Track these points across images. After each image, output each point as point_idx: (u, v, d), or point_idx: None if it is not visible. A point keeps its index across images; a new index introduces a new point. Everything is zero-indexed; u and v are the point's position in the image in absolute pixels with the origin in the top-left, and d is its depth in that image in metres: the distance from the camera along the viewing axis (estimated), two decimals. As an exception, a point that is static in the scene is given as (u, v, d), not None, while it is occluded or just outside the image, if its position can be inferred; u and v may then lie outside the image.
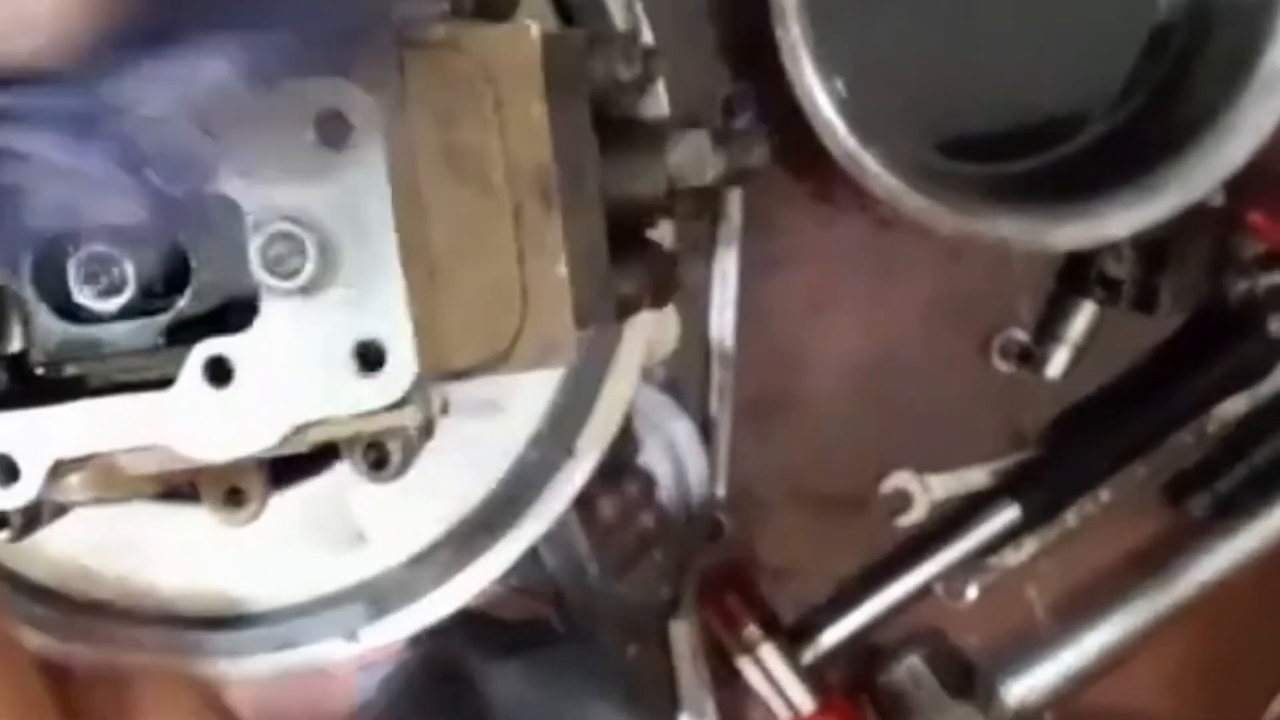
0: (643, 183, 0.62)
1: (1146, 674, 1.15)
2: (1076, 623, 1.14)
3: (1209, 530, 1.13)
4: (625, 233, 0.63)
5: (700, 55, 1.06)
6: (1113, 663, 1.14)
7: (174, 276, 0.52)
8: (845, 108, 0.93)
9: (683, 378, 1.10)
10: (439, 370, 0.55)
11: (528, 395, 0.81)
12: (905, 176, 0.95)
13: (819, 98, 0.93)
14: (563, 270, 0.58)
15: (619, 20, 0.77)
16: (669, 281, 0.65)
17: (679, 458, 1.11)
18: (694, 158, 0.62)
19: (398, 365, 0.49)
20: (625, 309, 0.65)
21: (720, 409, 1.11)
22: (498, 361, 0.58)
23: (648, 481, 1.09)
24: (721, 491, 1.12)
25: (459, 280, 0.56)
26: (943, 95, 1.06)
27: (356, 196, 0.47)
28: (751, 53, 1.03)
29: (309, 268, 0.47)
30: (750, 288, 1.10)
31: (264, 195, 0.47)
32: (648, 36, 0.78)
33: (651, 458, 1.10)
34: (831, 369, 1.13)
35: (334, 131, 0.47)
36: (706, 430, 1.12)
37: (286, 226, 0.46)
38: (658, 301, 0.65)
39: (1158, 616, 1.13)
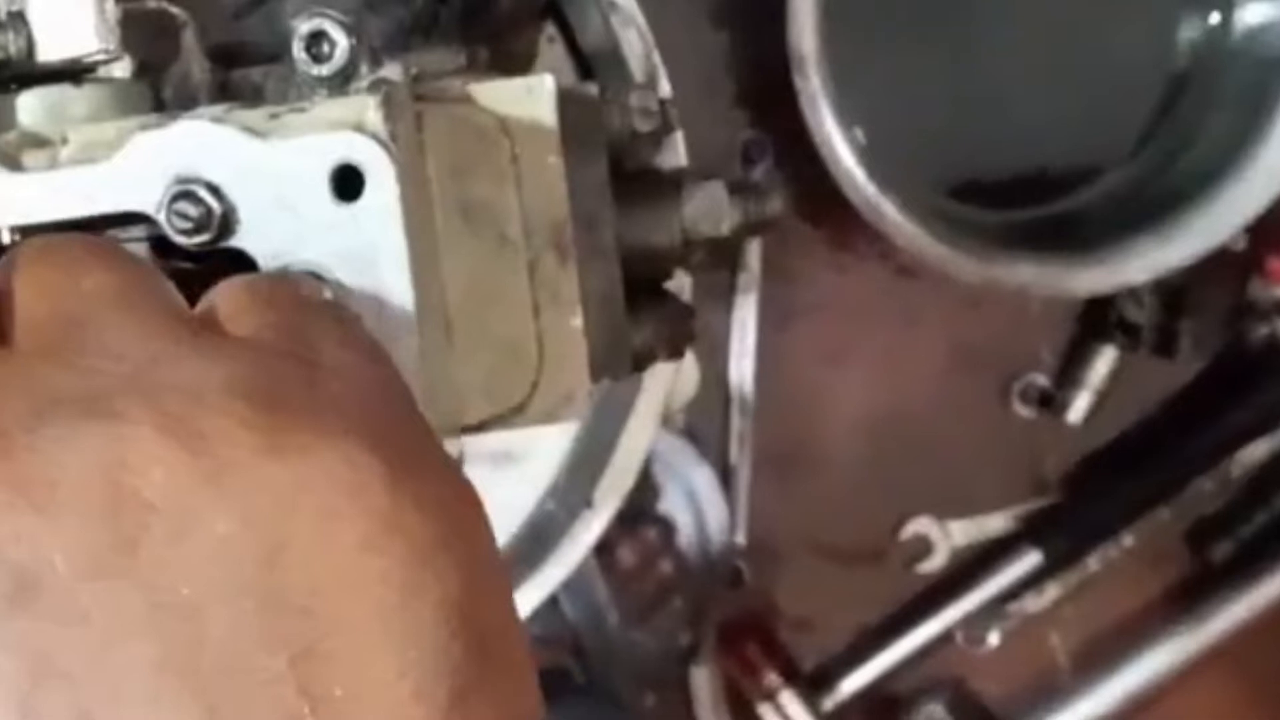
0: (659, 234, 0.62)
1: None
2: (1098, 670, 1.14)
3: (1231, 577, 1.12)
4: (641, 284, 0.63)
5: (717, 104, 1.06)
6: (1135, 710, 1.13)
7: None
8: (864, 156, 0.93)
9: (702, 425, 1.10)
10: (453, 425, 0.55)
11: (545, 446, 0.81)
12: (925, 224, 0.95)
13: (839, 147, 0.93)
14: (578, 322, 0.57)
15: (637, 71, 0.77)
16: (685, 332, 0.65)
17: (699, 505, 1.11)
18: (710, 209, 0.62)
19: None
20: (641, 361, 0.65)
21: (740, 457, 1.11)
22: (512, 415, 0.58)
23: (667, 528, 1.09)
24: (741, 539, 1.12)
25: (474, 334, 0.56)
26: (960, 143, 1.06)
27: (373, 250, 0.47)
28: (768, 101, 1.03)
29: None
30: (769, 336, 1.10)
31: (279, 250, 0.47)
32: (665, 87, 0.78)
33: (671, 505, 1.09)
34: (850, 416, 1.13)
35: (349, 185, 0.47)
36: (726, 478, 1.11)
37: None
38: (674, 353, 0.65)
39: (1180, 663, 1.12)
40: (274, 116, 0.48)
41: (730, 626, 1.14)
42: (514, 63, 0.69)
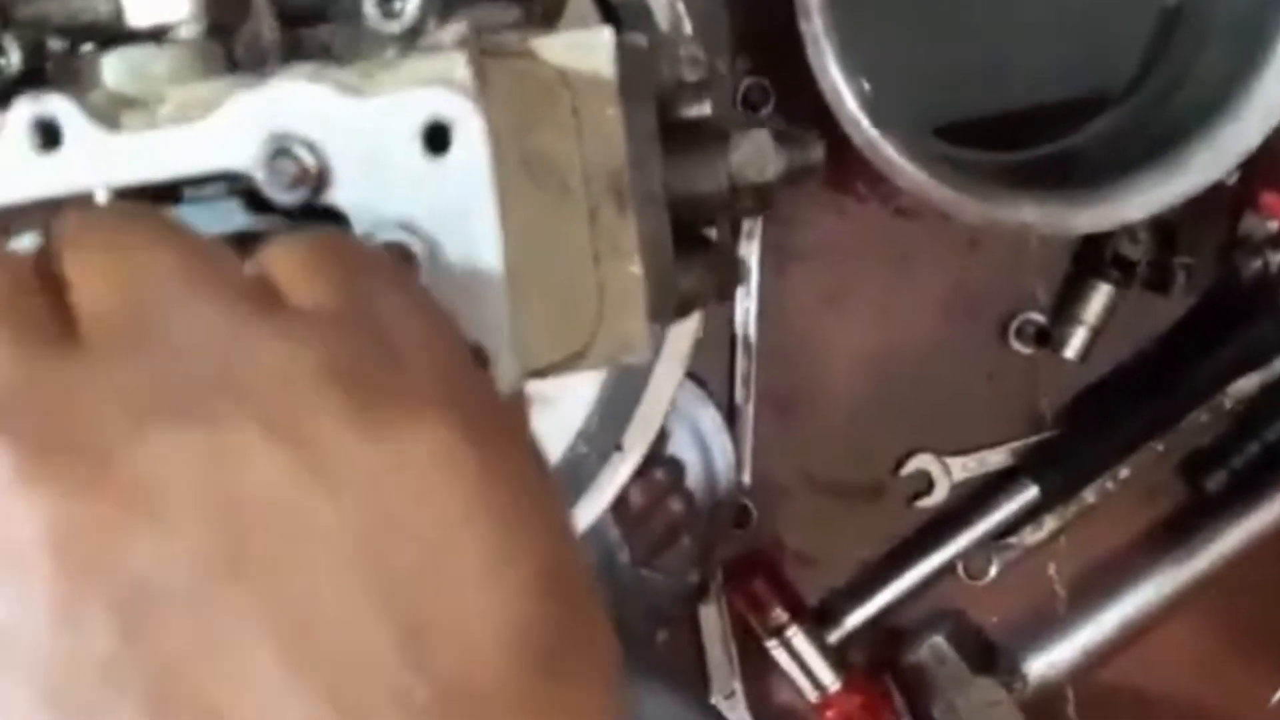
0: (705, 181, 0.63)
1: (1166, 649, 1.17)
2: (1096, 599, 1.16)
3: (1225, 506, 1.15)
4: (686, 230, 0.65)
5: (718, 49, 1.07)
6: (1132, 638, 1.16)
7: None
8: (866, 100, 0.95)
9: (707, 367, 1.12)
10: (524, 371, 0.57)
11: (577, 390, 0.82)
12: (927, 167, 0.96)
13: (843, 91, 0.94)
14: (637, 269, 0.59)
15: (661, 19, 0.78)
16: (730, 278, 0.67)
17: (705, 445, 1.13)
18: (755, 156, 0.63)
19: (501, 371, 0.50)
20: (686, 306, 0.66)
21: (744, 397, 1.13)
22: (574, 361, 0.59)
23: (676, 469, 1.10)
24: (747, 479, 1.14)
25: (538, 282, 0.57)
26: (958, 84, 1.08)
27: (463, 205, 0.49)
28: (768, 46, 1.04)
29: (419, 278, 0.48)
30: (769, 279, 1.12)
31: (373, 205, 0.48)
32: (688, 31, 0.80)
33: (679, 446, 1.11)
34: (850, 356, 1.15)
35: (440, 140, 0.48)
36: (731, 418, 1.13)
37: (397, 235, 0.48)
38: (720, 297, 0.67)
39: (1176, 592, 1.15)
40: (366, 74, 0.50)
41: (737, 563, 1.16)
42: (541, 13, 0.70)
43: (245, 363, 0.39)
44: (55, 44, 0.56)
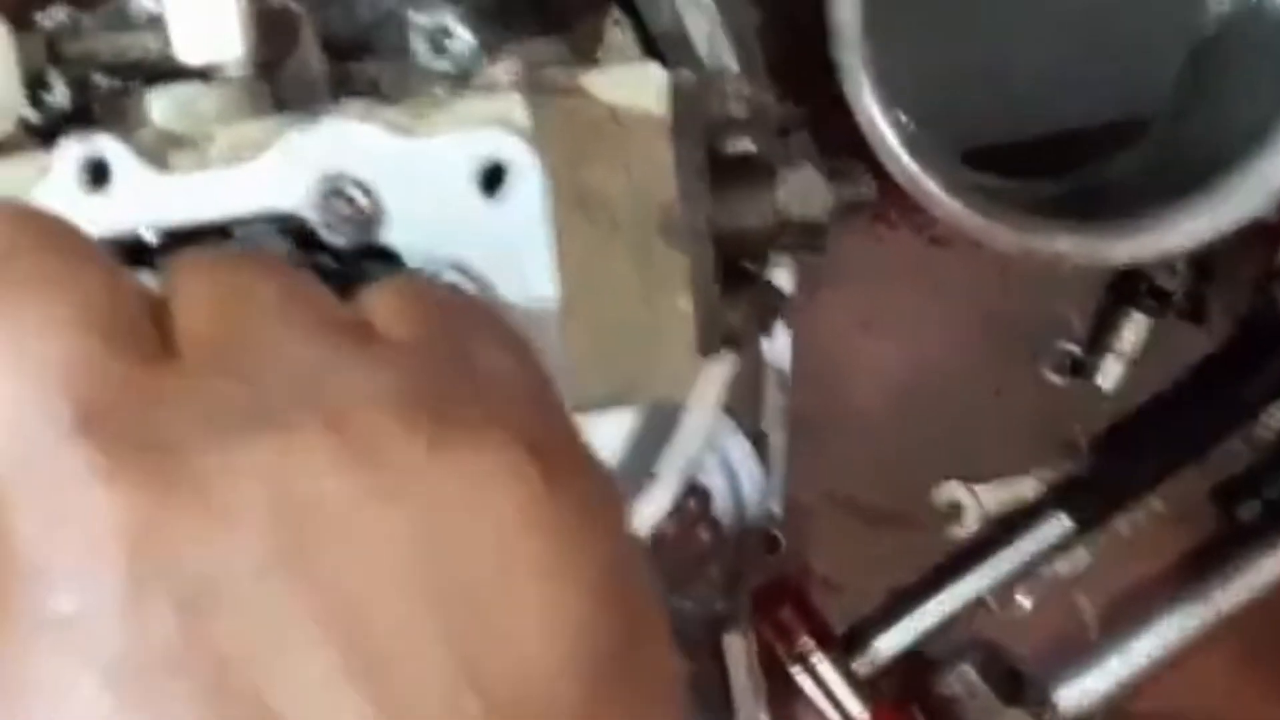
0: (752, 216, 0.63)
1: (1198, 679, 1.16)
2: (1128, 629, 1.15)
3: (1258, 536, 1.14)
4: (732, 265, 0.64)
5: (750, 76, 1.07)
6: (1164, 668, 1.15)
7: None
8: (903, 130, 0.94)
9: (737, 392, 1.11)
10: (572, 407, 0.56)
11: (612, 417, 0.82)
12: (963, 198, 0.96)
13: (880, 123, 0.94)
14: (687, 305, 0.59)
15: (703, 52, 0.78)
16: (774, 311, 0.66)
17: (734, 472, 1.12)
18: (804, 192, 0.63)
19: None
20: (731, 341, 0.66)
21: (774, 424, 1.12)
22: (623, 395, 0.59)
23: (705, 497, 1.10)
24: (776, 507, 1.13)
25: (586, 317, 0.57)
26: (995, 114, 1.07)
27: (518, 246, 0.48)
28: (801, 73, 1.04)
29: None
30: (800, 304, 1.11)
31: (425, 245, 0.48)
32: (733, 66, 0.79)
33: (707, 473, 1.10)
34: (882, 382, 1.15)
35: (495, 181, 0.48)
36: (759, 445, 1.13)
37: (450, 276, 0.47)
38: (762, 331, 0.66)
39: (1209, 622, 1.14)
40: (418, 113, 0.49)
41: (764, 591, 1.15)
42: (580, 47, 0.69)
43: (328, 383, 0.40)
44: (101, 81, 0.55)
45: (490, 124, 0.48)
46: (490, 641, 0.39)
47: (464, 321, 0.45)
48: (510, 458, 0.40)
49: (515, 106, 0.49)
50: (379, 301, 0.44)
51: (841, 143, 0.94)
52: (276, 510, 0.38)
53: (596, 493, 0.44)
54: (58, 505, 0.38)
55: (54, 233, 0.42)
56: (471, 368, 0.42)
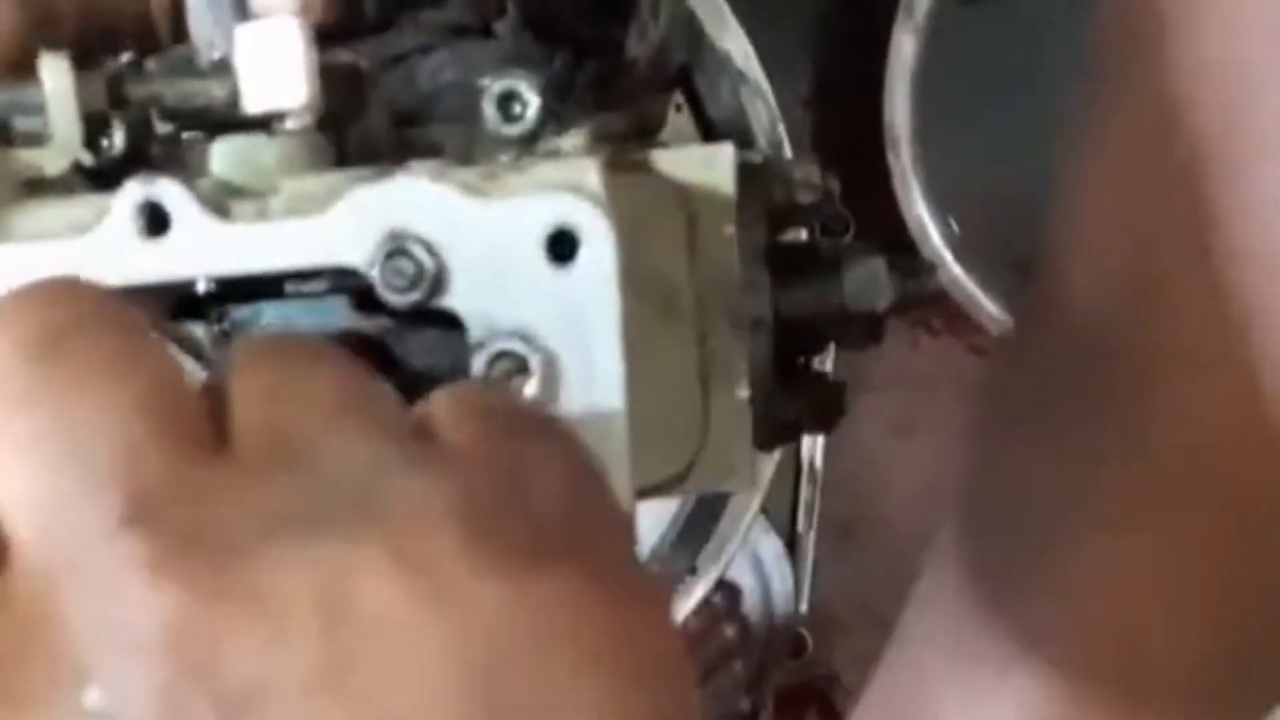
0: (815, 307, 0.62)
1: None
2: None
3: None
4: (789, 357, 0.63)
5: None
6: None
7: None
8: (953, 236, 0.94)
9: (771, 494, 1.10)
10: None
11: (652, 508, 0.80)
12: (1008, 304, 0.95)
13: (929, 227, 0.93)
14: (745, 394, 0.57)
15: (762, 141, 0.77)
16: (834, 409, 0.65)
17: (764, 572, 1.11)
18: (869, 284, 0.62)
19: (615, 488, 0.48)
20: (786, 434, 0.64)
21: (806, 527, 1.11)
22: (674, 484, 0.58)
23: (733, 594, 1.09)
24: (804, 608, 1.12)
25: (642, 401, 0.55)
26: (1039, 215, 1.06)
27: (585, 316, 0.47)
28: (848, 175, 1.03)
29: (531, 387, 0.47)
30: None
31: (489, 312, 0.47)
32: (788, 152, 0.78)
33: (737, 571, 1.10)
34: (915, 488, 1.13)
35: (564, 248, 0.46)
36: (792, 547, 1.12)
37: (512, 345, 0.46)
38: (821, 427, 0.65)
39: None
40: (489, 176, 0.48)
41: (789, 693, 1.14)
42: (643, 128, 0.69)
43: (381, 490, 0.39)
44: (160, 128, 0.54)
45: (561, 189, 0.47)
46: None
47: (524, 436, 0.44)
48: (570, 586, 0.40)
49: (588, 172, 0.48)
50: (443, 404, 0.43)
51: (885, 241, 0.94)
52: (321, 615, 0.37)
53: (654, 620, 0.43)
54: (105, 597, 0.37)
55: (112, 312, 0.42)
56: (530, 484, 0.41)
